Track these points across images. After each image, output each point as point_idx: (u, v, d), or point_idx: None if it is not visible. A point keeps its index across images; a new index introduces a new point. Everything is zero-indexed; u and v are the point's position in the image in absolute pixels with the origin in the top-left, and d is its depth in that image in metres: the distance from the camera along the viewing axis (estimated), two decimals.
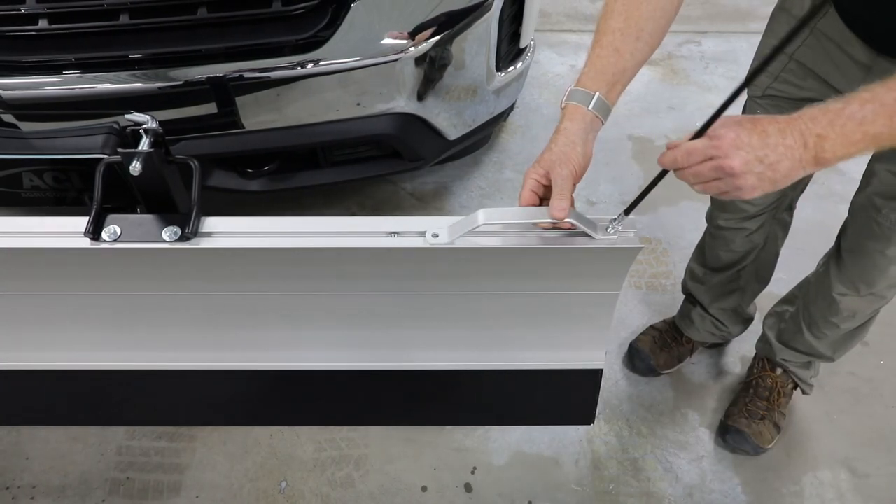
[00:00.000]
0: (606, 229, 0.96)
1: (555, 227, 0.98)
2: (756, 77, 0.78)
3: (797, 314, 1.68)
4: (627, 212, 0.95)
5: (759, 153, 0.83)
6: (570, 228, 0.98)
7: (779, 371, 1.82)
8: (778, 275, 1.81)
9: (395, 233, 0.99)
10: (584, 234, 0.96)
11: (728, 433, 1.80)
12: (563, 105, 1.03)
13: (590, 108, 1.00)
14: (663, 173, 0.90)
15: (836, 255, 1.50)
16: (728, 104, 0.81)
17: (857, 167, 2.48)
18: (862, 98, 0.83)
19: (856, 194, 1.43)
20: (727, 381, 1.96)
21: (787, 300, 1.77)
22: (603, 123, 1.02)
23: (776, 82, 1.35)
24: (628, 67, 1.02)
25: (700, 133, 0.86)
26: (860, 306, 1.51)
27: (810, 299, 1.62)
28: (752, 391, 1.83)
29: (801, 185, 1.59)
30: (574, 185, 0.96)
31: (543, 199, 0.99)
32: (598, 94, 1.00)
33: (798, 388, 1.83)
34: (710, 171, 0.84)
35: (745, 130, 0.84)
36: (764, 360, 1.85)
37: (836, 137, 0.83)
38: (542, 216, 0.95)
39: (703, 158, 0.84)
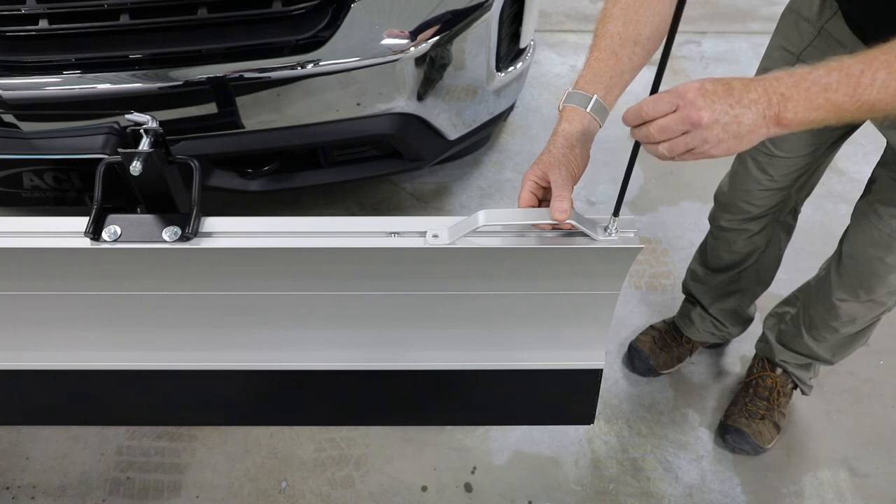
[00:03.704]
0: (606, 230, 0.97)
1: (554, 227, 0.98)
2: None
3: (797, 317, 1.68)
4: (616, 212, 0.95)
5: (724, 102, 0.81)
6: (569, 229, 0.98)
7: (778, 371, 1.82)
8: (778, 275, 1.81)
9: (395, 233, 0.99)
10: (584, 234, 0.97)
11: (728, 433, 1.81)
12: (560, 108, 1.03)
13: (588, 110, 1.00)
14: (635, 152, 0.89)
15: (837, 260, 1.50)
16: (668, 53, 0.79)
17: (858, 168, 2.49)
18: (829, 66, 0.82)
19: (858, 200, 1.43)
20: (727, 381, 1.97)
21: (787, 302, 1.78)
22: (600, 126, 1.03)
23: None
24: (626, 71, 1.02)
25: (654, 90, 0.84)
26: (860, 312, 1.51)
27: (810, 302, 1.62)
28: (751, 391, 1.84)
29: (806, 188, 1.59)
30: (572, 186, 0.96)
31: (542, 200, 0.99)
32: (595, 96, 1.00)
33: (797, 389, 1.83)
34: (678, 124, 0.82)
35: (709, 82, 0.83)
36: (764, 360, 1.85)
37: (800, 99, 0.82)
38: (542, 217, 0.96)
39: (671, 108, 0.82)
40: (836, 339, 1.62)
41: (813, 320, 1.62)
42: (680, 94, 0.82)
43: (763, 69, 1.40)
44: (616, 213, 0.95)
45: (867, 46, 1.17)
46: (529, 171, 0.98)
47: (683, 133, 0.82)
